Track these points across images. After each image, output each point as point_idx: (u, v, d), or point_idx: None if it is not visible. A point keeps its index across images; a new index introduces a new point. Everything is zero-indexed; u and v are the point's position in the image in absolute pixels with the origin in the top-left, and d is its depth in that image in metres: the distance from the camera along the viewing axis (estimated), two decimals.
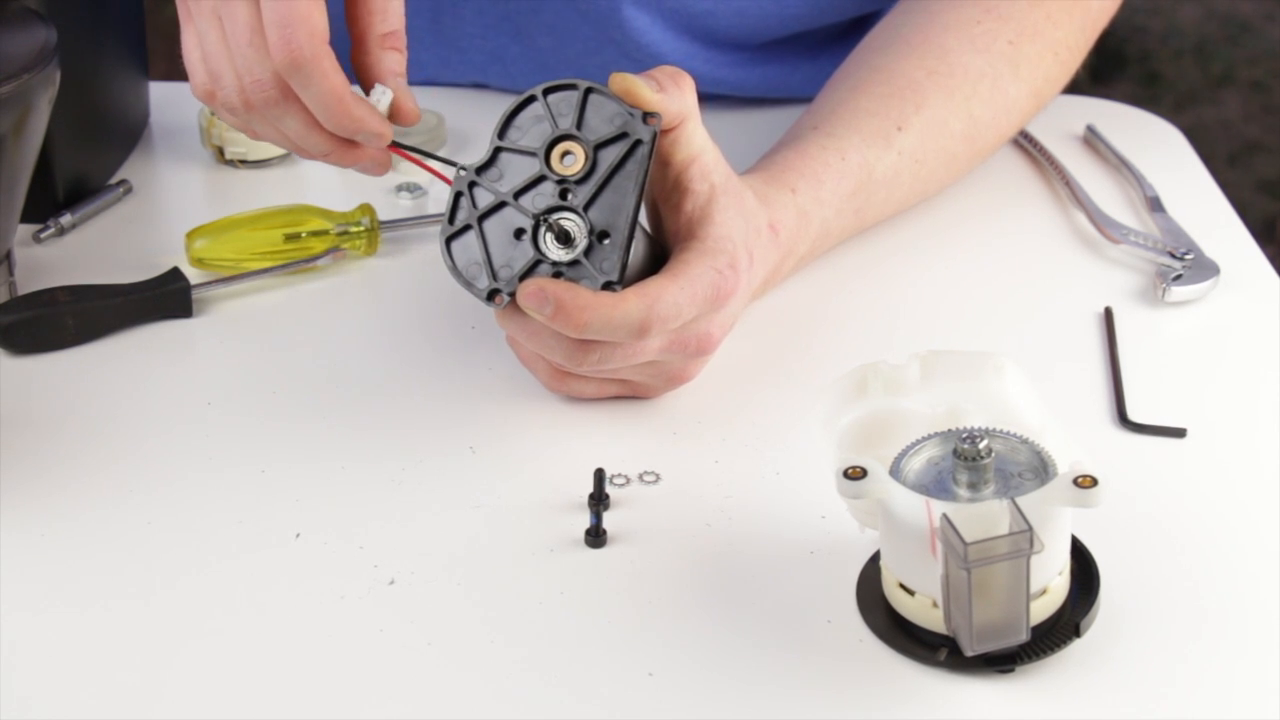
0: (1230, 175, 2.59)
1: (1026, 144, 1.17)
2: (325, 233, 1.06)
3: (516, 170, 0.89)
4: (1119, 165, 1.15)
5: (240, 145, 1.15)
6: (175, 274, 1.02)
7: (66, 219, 1.09)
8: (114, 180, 1.14)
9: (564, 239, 0.87)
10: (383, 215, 1.07)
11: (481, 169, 0.89)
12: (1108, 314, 1.01)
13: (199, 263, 1.05)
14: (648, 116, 0.88)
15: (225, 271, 1.04)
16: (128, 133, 1.19)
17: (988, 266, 1.06)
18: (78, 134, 1.10)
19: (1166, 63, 2.72)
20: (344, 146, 0.90)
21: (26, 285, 1.03)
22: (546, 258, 0.87)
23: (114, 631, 0.80)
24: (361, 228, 1.06)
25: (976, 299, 1.03)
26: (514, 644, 0.79)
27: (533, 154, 0.88)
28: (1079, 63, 1.11)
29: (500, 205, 0.89)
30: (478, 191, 0.89)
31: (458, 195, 0.89)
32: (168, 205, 1.15)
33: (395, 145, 0.90)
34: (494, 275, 0.88)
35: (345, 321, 1.02)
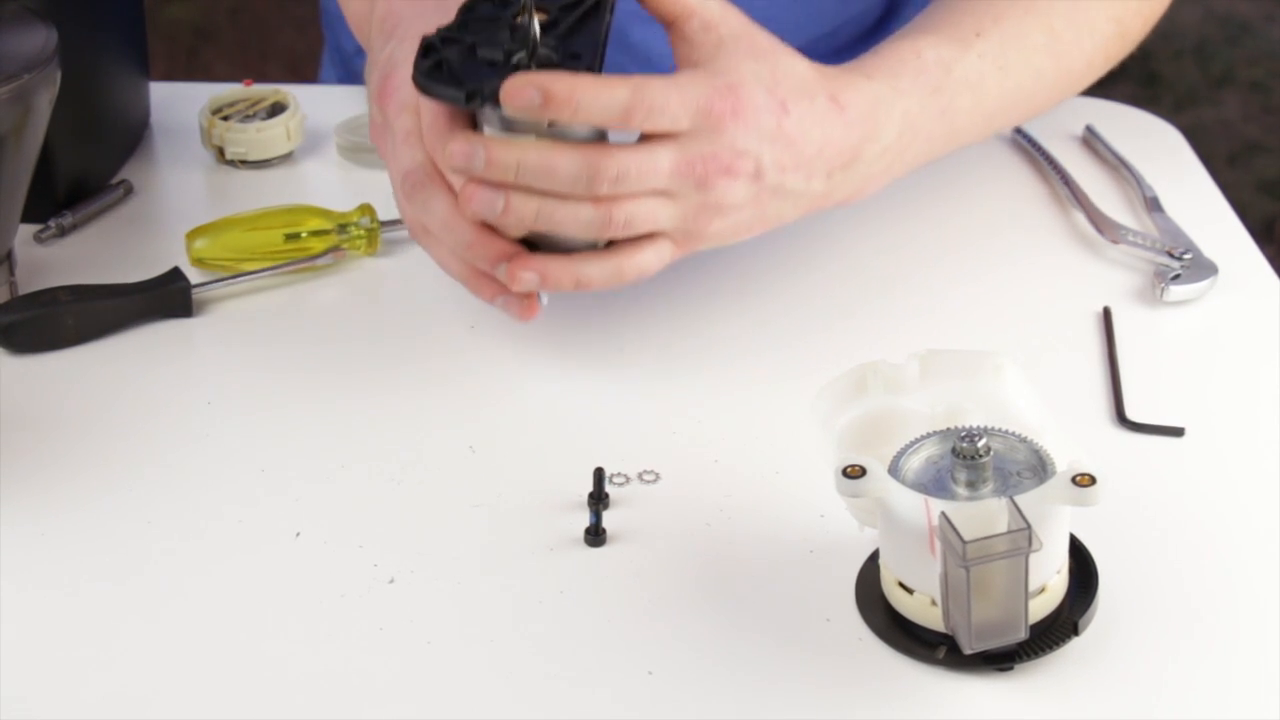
0: (1229, 175, 2.59)
1: (1026, 144, 1.17)
2: (325, 232, 1.06)
3: (484, 26, 0.88)
4: (1118, 165, 1.15)
5: (240, 146, 1.16)
6: (175, 274, 1.02)
7: (67, 219, 1.10)
8: (114, 180, 1.14)
9: (537, 55, 0.86)
10: (383, 215, 1.07)
11: (448, 30, 0.88)
12: (1106, 313, 1.01)
13: (199, 262, 1.05)
14: None
15: (225, 271, 1.04)
16: (128, 133, 1.19)
17: (987, 266, 1.06)
18: (78, 134, 1.10)
19: (1166, 63, 2.72)
20: (487, 235, 0.90)
21: (27, 285, 1.03)
22: (520, 64, 0.86)
23: (113, 630, 0.80)
24: (361, 228, 1.06)
25: (976, 299, 1.03)
26: (514, 643, 0.79)
27: (499, 14, 0.88)
28: (1160, 8, 1.09)
29: (471, 48, 0.87)
30: (448, 49, 0.87)
31: (427, 48, 0.87)
32: (168, 205, 1.15)
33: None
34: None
35: (345, 321, 1.02)
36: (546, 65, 0.86)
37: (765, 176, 0.90)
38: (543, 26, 0.88)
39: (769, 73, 0.90)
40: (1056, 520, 0.76)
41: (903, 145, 0.97)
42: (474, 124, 0.89)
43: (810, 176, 0.92)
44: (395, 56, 0.93)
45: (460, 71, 0.86)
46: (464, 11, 0.89)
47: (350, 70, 1.38)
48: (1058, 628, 0.77)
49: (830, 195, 0.94)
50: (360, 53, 1.35)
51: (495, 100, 0.85)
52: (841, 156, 0.93)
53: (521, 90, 0.84)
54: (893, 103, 0.95)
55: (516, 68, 0.86)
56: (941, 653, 0.77)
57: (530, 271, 0.89)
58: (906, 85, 0.96)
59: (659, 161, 0.87)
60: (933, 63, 0.98)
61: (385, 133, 0.93)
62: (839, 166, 0.93)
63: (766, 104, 0.89)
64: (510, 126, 0.87)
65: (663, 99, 0.86)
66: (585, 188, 0.86)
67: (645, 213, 0.88)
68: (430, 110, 0.89)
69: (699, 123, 0.87)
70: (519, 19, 0.87)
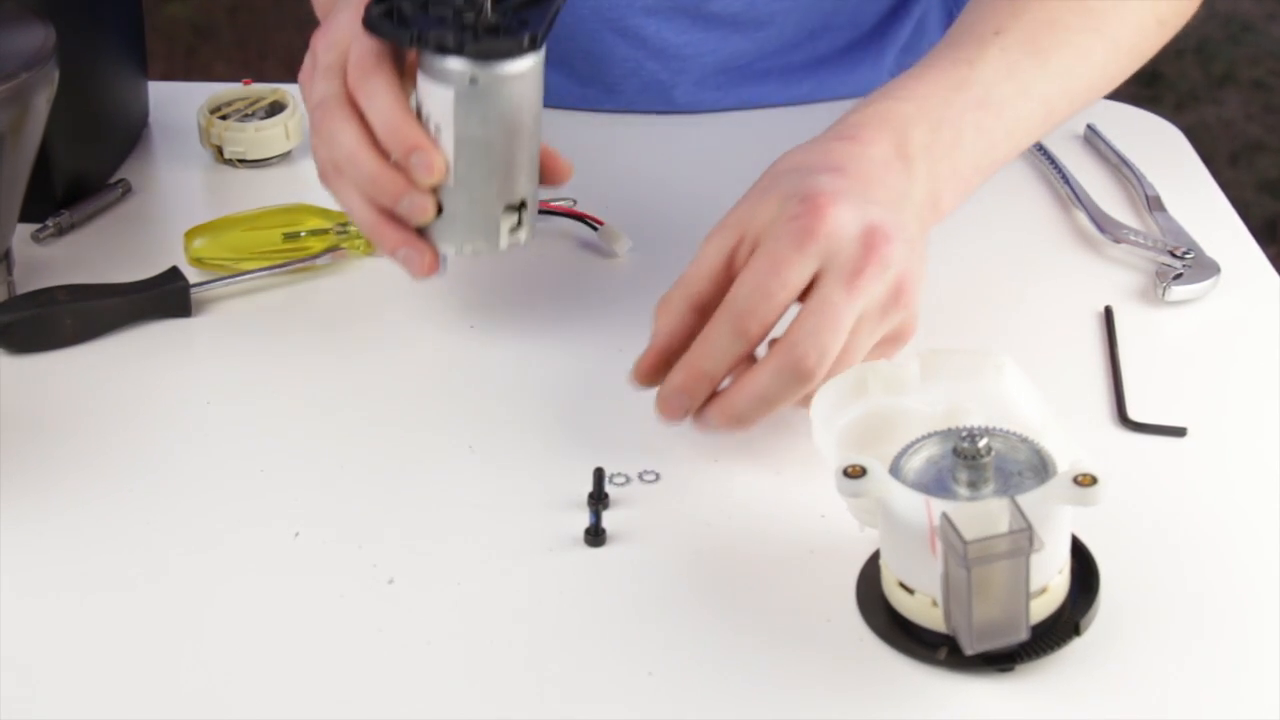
0: (1231, 175, 2.59)
1: None
2: (324, 232, 1.05)
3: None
4: (1119, 165, 1.15)
5: (239, 145, 1.15)
6: (174, 273, 1.02)
7: (65, 218, 1.09)
8: (113, 180, 1.14)
9: (486, 19, 0.89)
10: None
11: None
12: (1108, 313, 1.01)
13: (198, 262, 1.05)
14: None
15: (224, 271, 1.04)
16: (126, 132, 1.19)
17: (988, 266, 1.06)
18: (76, 133, 1.10)
19: (1167, 62, 2.72)
20: (391, 170, 0.91)
21: (25, 284, 1.03)
22: (468, 22, 0.89)
23: (113, 631, 0.80)
24: None
25: (976, 298, 1.03)
26: (513, 643, 0.79)
27: None
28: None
29: (424, 3, 0.90)
30: (401, 2, 0.90)
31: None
32: (167, 204, 1.15)
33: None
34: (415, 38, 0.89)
35: (345, 321, 1.02)
36: (493, 30, 0.89)
37: (861, 208, 0.87)
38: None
39: (785, 173, 0.89)
40: (1058, 520, 0.76)
41: (947, 141, 0.94)
42: (402, 72, 0.92)
43: (881, 185, 0.90)
44: (340, 7, 0.95)
45: (410, 19, 0.89)
46: None
47: None
48: (1059, 628, 0.77)
49: (914, 200, 0.92)
50: None
51: (436, 46, 0.88)
52: (883, 164, 0.91)
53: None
54: (901, 110, 0.93)
55: (464, 26, 0.88)
56: (942, 653, 0.77)
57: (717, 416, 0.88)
58: (916, 90, 0.94)
59: (841, 312, 0.85)
60: (947, 64, 0.96)
61: (311, 71, 0.94)
62: (894, 173, 0.91)
63: (788, 177, 0.88)
64: (444, 78, 0.89)
65: (691, 279, 0.87)
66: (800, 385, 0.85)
67: (861, 346, 0.87)
68: (360, 49, 0.91)
69: (821, 261, 0.85)
70: None
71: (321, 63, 0.94)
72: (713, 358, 0.86)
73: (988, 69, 0.96)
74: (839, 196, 0.86)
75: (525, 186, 0.93)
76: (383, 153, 0.91)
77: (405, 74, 0.93)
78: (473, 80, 0.89)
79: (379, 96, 0.91)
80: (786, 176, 0.88)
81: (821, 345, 0.83)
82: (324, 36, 0.94)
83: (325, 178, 0.95)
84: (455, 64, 0.89)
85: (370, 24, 0.90)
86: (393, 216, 0.93)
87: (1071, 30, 1.00)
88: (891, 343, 0.89)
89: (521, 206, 0.93)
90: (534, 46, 0.89)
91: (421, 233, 0.94)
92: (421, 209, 0.92)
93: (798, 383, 0.84)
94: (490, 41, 0.89)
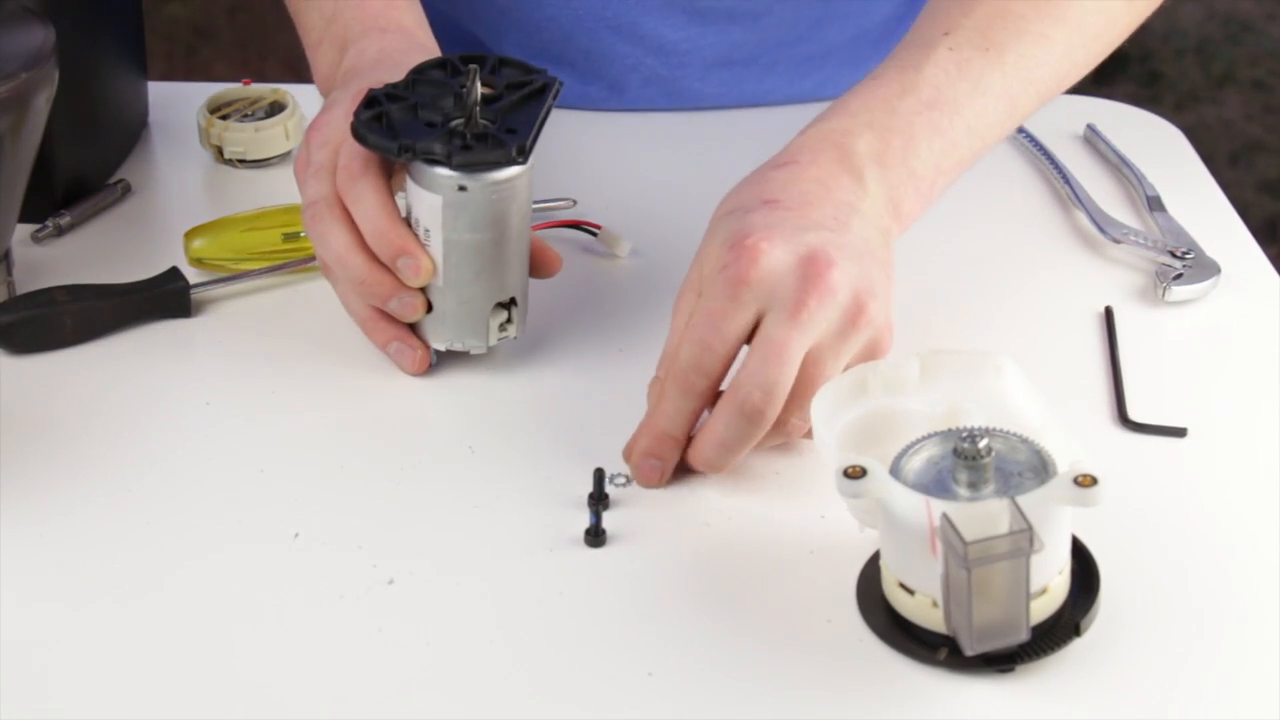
0: (1231, 175, 2.59)
1: (1027, 143, 1.17)
2: None
3: (430, 90, 0.92)
4: (1119, 165, 1.15)
5: (239, 145, 1.15)
6: (174, 273, 1.02)
7: (65, 219, 1.09)
8: (112, 180, 1.14)
9: (475, 125, 0.90)
10: None
11: (395, 86, 0.92)
12: (1108, 313, 1.01)
13: (197, 262, 1.05)
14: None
15: (224, 271, 1.04)
16: (126, 132, 1.19)
17: (988, 266, 1.06)
18: (76, 133, 1.10)
19: (1167, 62, 2.72)
20: (380, 272, 0.93)
21: (25, 285, 1.03)
22: (457, 130, 0.90)
23: (112, 631, 0.80)
24: None
25: (976, 299, 1.03)
26: (513, 644, 0.79)
27: (447, 80, 0.92)
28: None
29: (413, 107, 0.91)
30: (391, 105, 0.91)
31: (371, 100, 0.91)
32: (166, 205, 1.14)
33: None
34: (404, 148, 0.90)
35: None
36: (483, 135, 0.90)
37: (795, 239, 0.87)
38: (486, 99, 0.91)
39: (723, 217, 0.89)
40: (1058, 521, 0.76)
41: (899, 146, 0.93)
42: (390, 176, 0.93)
43: (821, 205, 0.90)
44: (337, 98, 0.97)
45: (398, 126, 0.91)
46: (415, 73, 0.94)
47: None
48: (1059, 629, 0.77)
49: (867, 211, 0.91)
50: None
51: (424, 157, 0.89)
52: (824, 182, 0.91)
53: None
54: (842, 125, 0.93)
55: (453, 132, 0.90)
56: (943, 654, 0.77)
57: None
58: (857, 104, 0.94)
59: (785, 348, 0.84)
60: (892, 73, 0.96)
61: (305, 165, 0.96)
62: (839, 189, 0.91)
63: (733, 229, 0.88)
64: (432, 185, 0.90)
65: (673, 348, 0.88)
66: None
67: (826, 376, 0.86)
68: (349, 152, 0.93)
69: (760, 304, 0.85)
70: (464, 88, 0.90)
71: (314, 161, 0.95)
72: (668, 417, 0.87)
73: (935, 70, 0.96)
74: (769, 234, 0.86)
75: (514, 284, 0.94)
76: (373, 254, 0.93)
77: (395, 174, 0.94)
78: (460, 188, 0.90)
79: (366, 201, 0.92)
80: (723, 221, 0.89)
81: (766, 384, 0.84)
82: (318, 132, 0.96)
83: (324, 271, 0.96)
84: (443, 173, 0.90)
85: (358, 133, 0.91)
86: (385, 312, 0.95)
87: (1027, 20, 0.99)
88: (866, 361, 0.88)
89: (511, 304, 0.94)
90: (521, 157, 0.90)
91: (413, 328, 0.95)
92: (411, 308, 0.94)
93: (751, 424, 0.84)
94: (477, 153, 0.90)
